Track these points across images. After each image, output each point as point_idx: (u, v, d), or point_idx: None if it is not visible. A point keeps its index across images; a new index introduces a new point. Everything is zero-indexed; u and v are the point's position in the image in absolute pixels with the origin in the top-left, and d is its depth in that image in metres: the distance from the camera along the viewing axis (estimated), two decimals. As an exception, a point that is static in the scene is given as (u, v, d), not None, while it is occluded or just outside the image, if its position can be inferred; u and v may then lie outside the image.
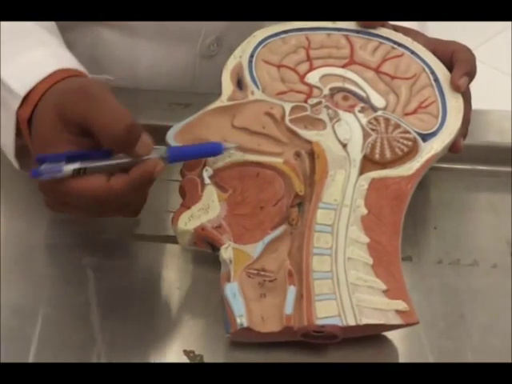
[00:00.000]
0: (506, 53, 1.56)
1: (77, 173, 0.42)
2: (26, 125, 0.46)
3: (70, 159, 0.42)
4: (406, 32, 0.56)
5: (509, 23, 1.63)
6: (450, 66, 0.54)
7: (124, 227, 0.52)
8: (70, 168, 0.42)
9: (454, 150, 0.52)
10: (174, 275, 0.50)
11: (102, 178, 0.43)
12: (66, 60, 0.48)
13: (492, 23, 1.52)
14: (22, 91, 0.46)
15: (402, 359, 0.46)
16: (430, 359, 0.45)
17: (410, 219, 0.48)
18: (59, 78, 0.46)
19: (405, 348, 0.46)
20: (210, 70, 0.63)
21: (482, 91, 0.53)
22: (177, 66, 0.64)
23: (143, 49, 0.61)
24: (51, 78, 0.46)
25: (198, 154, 0.48)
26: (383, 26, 0.56)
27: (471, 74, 0.52)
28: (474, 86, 0.54)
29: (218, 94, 0.52)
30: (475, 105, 0.55)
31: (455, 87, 0.52)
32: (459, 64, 0.52)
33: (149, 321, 0.47)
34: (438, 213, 0.55)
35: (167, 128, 0.50)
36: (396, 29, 0.56)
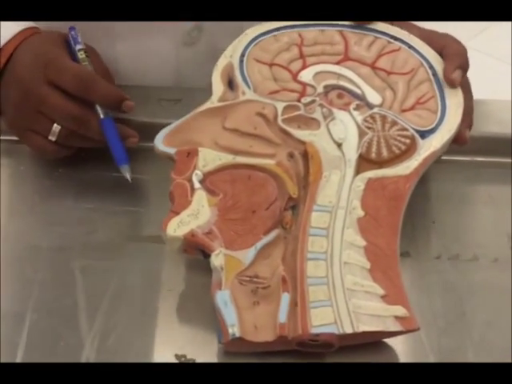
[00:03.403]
0: (504, 41, 1.52)
1: (83, 52, 0.54)
2: None
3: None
4: (401, 24, 0.54)
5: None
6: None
7: (115, 228, 0.51)
8: (81, 46, 0.55)
9: (459, 142, 0.50)
10: (165, 277, 0.48)
11: (92, 70, 0.54)
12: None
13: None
14: None
15: (401, 359, 0.44)
16: (431, 358, 0.44)
17: (407, 213, 0.46)
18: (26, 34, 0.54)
19: (404, 348, 0.44)
20: (193, 58, 0.63)
21: (480, 81, 0.51)
22: (158, 57, 0.62)
23: (121, 45, 0.60)
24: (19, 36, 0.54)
25: (112, 146, 0.52)
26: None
27: (463, 66, 0.50)
28: (472, 76, 0.53)
29: (205, 87, 0.51)
30: (474, 95, 0.53)
31: (449, 82, 0.50)
32: (449, 58, 0.51)
33: (139, 324, 0.45)
34: (437, 206, 0.53)
35: (157, 125, 0.49)
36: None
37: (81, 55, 0.54)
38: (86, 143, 0.53)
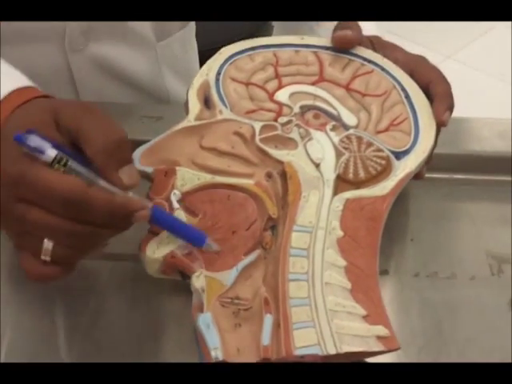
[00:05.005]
0: (490, 55, 1.54)
1: (56, 163, 0.40)
2: None
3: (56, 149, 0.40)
4: (384, 46, 0.55)
5: (491, 25, 1.59)
6: (425, 93, 0.53)
7: None
8: (53, 153, 0.39)
9: (416, 177, 0.51)
10: (144, 297, 0.47)
11: (82, 182, 0.39)
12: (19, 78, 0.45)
13: (475, 25, 1.48)
14: None
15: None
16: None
17: (385, 231, 0.47)
18: (21, 100, 0.43)
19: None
20: (84, 63, 0.64)
21: (465, 96, 0.52)
22: (49, 65, 0.62)
23: (9, 56, 0.50)
24: (11, 100, 0.43)
25: (180, 232, 0.44)
26: (360, 44, 0.55)
27: (451, 107, 0.52)
28: (457, 90, 0.54)
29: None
30: (458, 111, 0.54)
31: (440, 123, 0.51)
32: (440, 99, 0.51)
33: (117, 344, 0.45)
34: (415, 224, 0.54)
35: (138, 142, 0.48)
36: (372, 41, 0.55)
37: (57, 168, 0.40)
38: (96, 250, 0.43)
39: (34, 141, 0.39)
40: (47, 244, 0.41)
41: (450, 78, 0.53)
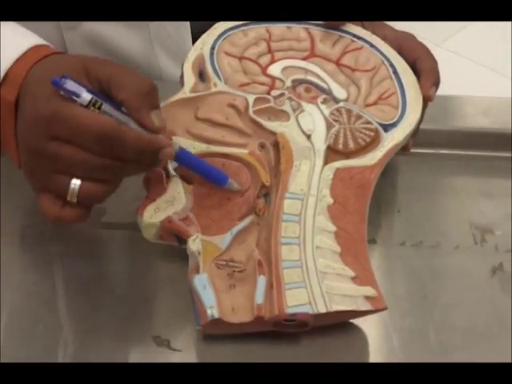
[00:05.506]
0: (479, 42, 1.58)
1: (92, 106, 0.42)
2: (12, 108, 0.43)
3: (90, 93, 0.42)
4: (373, 24, 0.57)
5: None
6: (412, 68, 0.55)
7: (91, 215, 0.50)
8: (88, 96, 0.42)
9: (403, 150, 0.53)
10: (141, 262, 0.49)
11: (114, 120, 0.42)
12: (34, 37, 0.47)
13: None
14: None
15: (368, 339, 0.46)
16: (394, 339, 0.46)
17: (374, 203, 0.49)
18: (39, 56, 0.44)
19: (370, 328, 0.46)
20: (78, 40, 0.64)
21: (454, 81, 0.54)
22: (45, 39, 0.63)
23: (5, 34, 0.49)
24: (29, 56, 0.44)
25: (204, 171, 0.47)
26: (350, 22, 0.56)
27: (437, 82, 0.54)
28: (446, 76, 0.56)
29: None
30: (442, 91, 0.56)
31: (426, 97, 0.53)
32: (426, 74, 0.53)
33: (116, 307, 0.46)
34: (402, 196, 0.56)
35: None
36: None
37: (92, 110, 0.42)
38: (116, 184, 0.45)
39: (71, 85, 0.41)
40: (74, 184, 0.42)
41: (439, 66, 0.55)
